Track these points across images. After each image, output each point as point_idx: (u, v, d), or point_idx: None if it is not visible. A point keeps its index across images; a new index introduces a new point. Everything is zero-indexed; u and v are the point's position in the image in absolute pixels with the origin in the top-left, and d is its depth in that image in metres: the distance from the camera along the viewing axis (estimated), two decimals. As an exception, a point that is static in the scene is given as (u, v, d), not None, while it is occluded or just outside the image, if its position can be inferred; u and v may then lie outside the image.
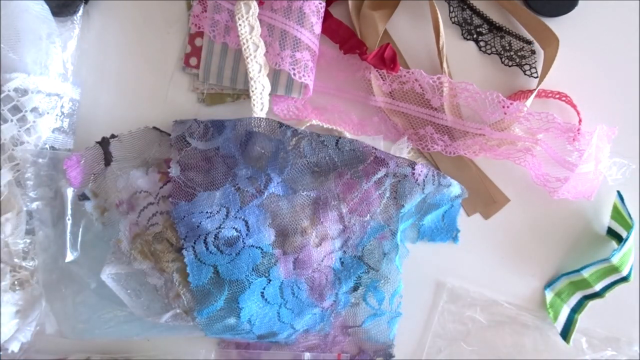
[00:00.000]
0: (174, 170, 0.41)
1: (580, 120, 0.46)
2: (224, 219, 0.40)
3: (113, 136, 0.43)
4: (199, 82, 0.46)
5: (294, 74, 0.42)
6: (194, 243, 0.39)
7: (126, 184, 0.41)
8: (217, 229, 0.40)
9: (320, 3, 0.43)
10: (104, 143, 0.43)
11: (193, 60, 0.46)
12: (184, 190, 0.40)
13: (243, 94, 0.46)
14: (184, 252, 0.39)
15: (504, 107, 0.43)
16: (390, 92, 0.46)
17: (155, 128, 0.44)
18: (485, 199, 0.47)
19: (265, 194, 0.41)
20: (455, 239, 0.47)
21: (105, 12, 0.46)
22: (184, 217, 0.40)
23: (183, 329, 0.42)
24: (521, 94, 0.46)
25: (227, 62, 0.45)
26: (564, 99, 0.46)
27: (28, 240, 0.42)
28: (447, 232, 0.47)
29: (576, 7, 0.47)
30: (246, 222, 0.40)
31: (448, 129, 0.45)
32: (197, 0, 0.45)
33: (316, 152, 0.42)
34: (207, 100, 0.47)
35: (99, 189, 0.42)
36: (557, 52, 0.44)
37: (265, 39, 0.42)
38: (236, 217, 0.40)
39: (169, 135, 0.43)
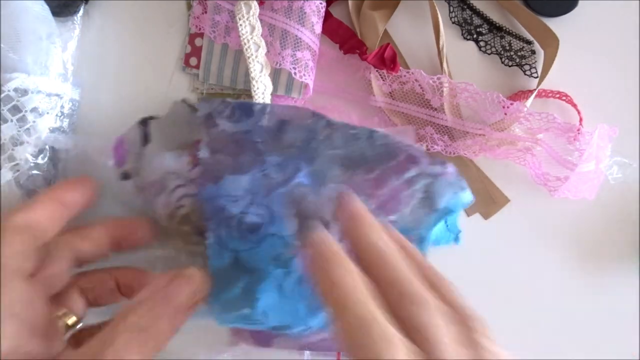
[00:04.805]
0: (203, 152, 0.40)
1: (580, 120, 0.46)
2: (248, 204, 0.39)
3: (152, 117, 0.43)
4: (199, 82, 0.46)
5: (295, 73, 0.42)
6: (218, 226, 0.39)
7: (159, 164, 0.41)
8: (241, 213, 0.39)
9: (320, 3, 0.43)
10: (144, 123, 0.42)
11: (193, 61, 0.46)
12: (212, 173, 0.40)
13: (243, 93, 0.46)
14: (207, 234, 0.39)
15: (504, 107, 0.43)
16: (391, 93, 0.46)
17: (184, 101, 0.43)
18: (485, 199, 0.47)
19: (292, 183, 0.40)
20: (456, 239, 0.45)
21: (106, 12, 0.46)
22: (211, 199, 0.39)
23: (200, 313, 0.42)
24: (521, 94, 0.46)
25: (227, 62, 0.45)
26: (564, 98, 0.46)
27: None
28: (449, 234, 0.45)
29: (576, 7, 0.47)
30: (270, 210, 0.39)
31: (448, 129, 0.45)
32: (197, 1, 0.45)
33: (348, 144, 0.40)
34: (208, 101, 0.47)
35: (136, 169, 0.42)
36: (557, 52, 0.44)
37: (266, 39, 0.42)
38: (261, 204, 0.39)
39: (196, 110, 0.42)
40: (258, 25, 0.41)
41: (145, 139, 0.42)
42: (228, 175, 0.40)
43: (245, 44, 0.41)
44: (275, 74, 0.44)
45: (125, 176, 0.42)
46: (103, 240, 0.38)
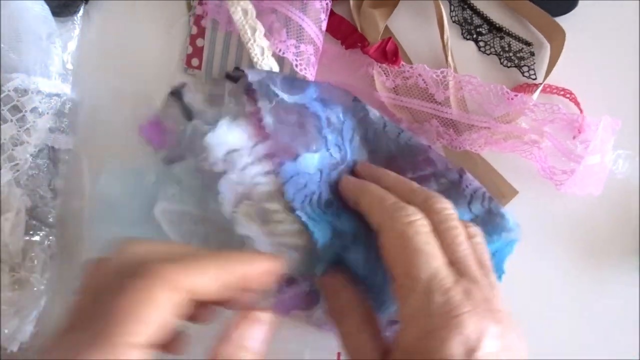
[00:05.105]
0: (268, 120, 0.38)
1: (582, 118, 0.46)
2: (318, 181, 0.40)
3: (182, 85, 0.40)
4: (202, 82, 0.46)
5: (296, 65, 0.42)
6: (302, 203, 0.38)
7: (217, 141, 0.38)
8: (318, 189, 0.39)
9: (327, 2, 0.43)
10: (178, 94, 0.40)
11: (195, 61, 0.46)
12: (285, 149, 0.39)
13: (246, 92, 0.46)
14: (298, 213, 0.38)
15: (508, 99, 0.43)
16: (394, 88, 0.45)
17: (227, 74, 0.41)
18: (494, 193, 0.46)
19: (345, 163, 0.41)
20: (499, 278, 0.43)
21: (106, 12, 0.46)
22: (292, 177, 0.39)
23: None
24: (526, 87, 0.46)
25: (229, 61, 0.45)
26: (567, 96, 0.46)
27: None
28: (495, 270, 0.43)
29: (576, 7, 0.47)
30: (333, 187, 0.40)
31: (453, 122, 0.45)
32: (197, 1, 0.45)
33: (378, 138, 0.43)
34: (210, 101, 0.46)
35: (186, 149, 0.39)
36: (563, 45, 0.45)
37: (272, 25, 0.42)
38: (326, 182, 0.40)
39: (232, 80, 0.40)
40: (250, 7, 0.40)
41: (188, 113, 0.39)
42: (301, 150, 0.39)
43: (241, 29, 0.40)
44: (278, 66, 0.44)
45: (170, 160, 0.39)
46: (230, 281, 0.29)
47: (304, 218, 0.38)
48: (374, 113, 0.43)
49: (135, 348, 0.25)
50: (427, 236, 0.33)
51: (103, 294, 0.27)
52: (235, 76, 0.41)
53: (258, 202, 0.38)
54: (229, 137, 0.38)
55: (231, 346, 0.29)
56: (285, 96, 0.40)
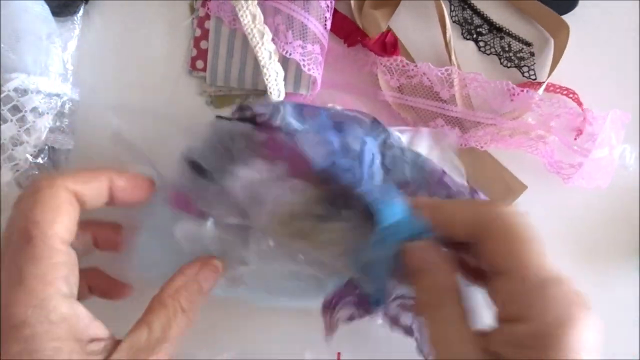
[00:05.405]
0: (291, 122, 0.39)
1: (585, 119, 0.46)
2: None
3: (190, 149, 0.40)
4: (207, 84, 0.46)
5: (304, 65, 0.42)
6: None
7: (237, 186, 0.38)
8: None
9: (331, 2, 0.43)
10: (193, 164, 0.39)
11: (199, 64, 0.46)
12: (301, 162, 0.38)
13: (251, 93, 0.46)
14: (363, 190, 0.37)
15: (513, 95, 0.43)
16: (399, 87, 0.45)
17: (220, 117, 0.41)
18: (503, 188, 0.46)
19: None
20: None
21: (106, 12, 0.46)
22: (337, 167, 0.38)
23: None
24: (530, 86, 0.46)
25: (233, 63, 0.45)
26: (570, 95, 0.46)
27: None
28: None
29: (576, 7, 0.47)
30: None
31: (459, 120, 0.45)
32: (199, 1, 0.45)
33: (396, 163, 0.42)
34: (216, 103, 0.46)
35: (210, 205, 0.39)
36: (567, 40, 0.45)
37: (278, 27, 0.42)
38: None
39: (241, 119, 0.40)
40: (259, 12, 0.40)
41: (202, 171, 0.39)
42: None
43: (249, 33, 0.40)
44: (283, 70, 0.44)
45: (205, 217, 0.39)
46: (103, 189, 0.36)
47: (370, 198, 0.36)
48: (395, 137, 0.43)
49: (58, 241, 0.31)
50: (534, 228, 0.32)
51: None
52: (243, 116, 0.41)
53: (290, 222, 0.38)
54: (247, 175, 0.38)
55: (187, 279, 0.35)
56: (298, 125, 0.39)
